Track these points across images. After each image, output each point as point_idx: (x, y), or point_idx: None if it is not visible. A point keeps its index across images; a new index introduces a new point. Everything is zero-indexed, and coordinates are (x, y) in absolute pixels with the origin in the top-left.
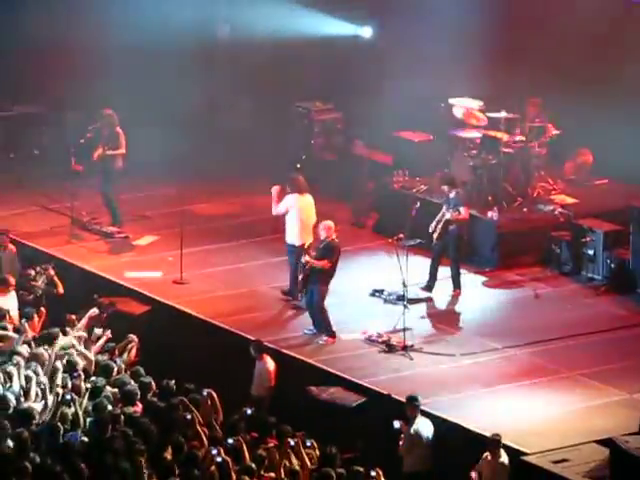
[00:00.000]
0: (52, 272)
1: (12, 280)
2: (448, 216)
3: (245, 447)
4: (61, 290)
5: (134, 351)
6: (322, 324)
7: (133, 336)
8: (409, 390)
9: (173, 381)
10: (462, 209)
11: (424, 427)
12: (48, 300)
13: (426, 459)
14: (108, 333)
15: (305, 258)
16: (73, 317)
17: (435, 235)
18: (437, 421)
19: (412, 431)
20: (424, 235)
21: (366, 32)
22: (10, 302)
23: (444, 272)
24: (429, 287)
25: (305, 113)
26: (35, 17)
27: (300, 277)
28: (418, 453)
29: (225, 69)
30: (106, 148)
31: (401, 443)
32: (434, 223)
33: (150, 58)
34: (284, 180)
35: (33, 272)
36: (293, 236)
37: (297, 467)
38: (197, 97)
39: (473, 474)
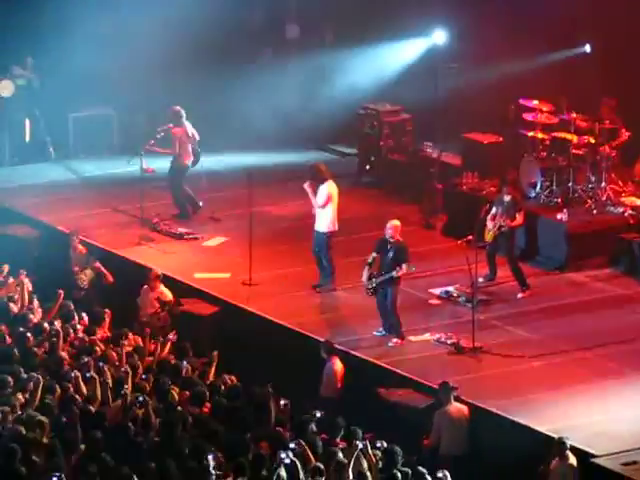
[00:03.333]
0: (97, 264)
1: None
2: (502, 222)
3: (308, 450)
4: (110, 279)
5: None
6: (393, 325)
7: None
8: (478, 392)
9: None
10: (518, 215)
11: (457, 411)
12: (99, 293)
13: (461, 442)
14: (173, 334)
15: (402, 271)
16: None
17: (489, 236)
18: (506, 423)
19: (443, 414)
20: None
21: (438, 37)
22: None
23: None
24: (491, 278)
25: (374, 114)
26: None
27: (368, 276)
28: (451, 436)
29: (294, 70)
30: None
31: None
32: (489, 223)
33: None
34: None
35: (77, 268)
36: (330, 223)
37: (366, 470)
38: (264, 101)
39: None
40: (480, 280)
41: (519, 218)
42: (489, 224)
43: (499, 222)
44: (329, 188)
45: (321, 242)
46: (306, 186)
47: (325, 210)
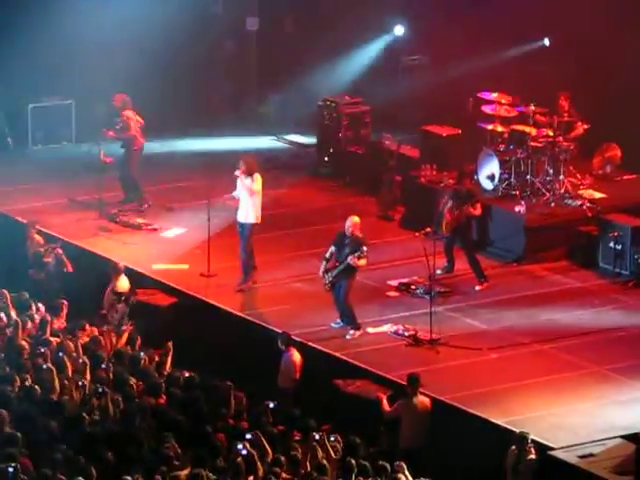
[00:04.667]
0: (60, 251)
1: None
2: (460, 214)
3: (264, 440)
4: (70, 268)
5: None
6: (348, 317)
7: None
8: (436, 384)
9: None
10: (476, 207)
11: (421, 404)
12: (58, 280)
13: (421, 436)
14: (129, 325)
15: (354, 260)
16: (65, 302)
17: (447, 228)
18: (465, 416)
19: (406, 406)
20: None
21: (398, 30)
22: None
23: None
24: (449, 270)
25: (333, 106)
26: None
27: (325, 270)
28: (412, 429)
29: (252, 62)
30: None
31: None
32: (447, 215)
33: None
34: None
35: (43, 250)
36: (259, 215)
37: (324, 461)
38: (226, 90)
39: None
40: (438, 272)
41: (477, 210)
42: (447, 216)
43: (456, 214)
44: (260, 178)
45: (248, 232)
46: (238, 174)
47: (254, 201)
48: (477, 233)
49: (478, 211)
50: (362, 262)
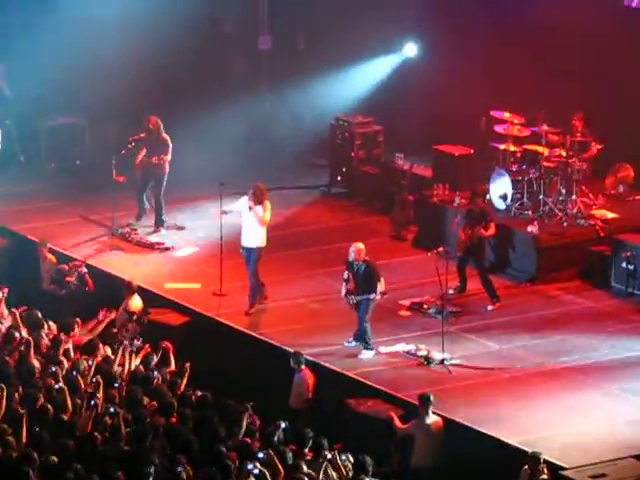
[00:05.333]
0: (84, 269)
1: None
2: (473, 234)
3: (277, 459)
4: (91, 287)
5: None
6: (363, 336)
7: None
8: (448, 404)
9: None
10: (489, 227)
11: (434, 424)
12: (78, 298)
13: (433, 455)
14: (142, 344)
15: (378, 295)
16: (78, 320)
17: (460, 247)
18: (477, 435)
19: (419, 426)
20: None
21: (410, 50)
22: None
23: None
24: (461, 290)
25: (346, 126)
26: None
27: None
28: (424, 449)
29: (265, 80)
30: (154, 157)
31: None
32: (459, 235)
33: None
34: None
35: (67, 267)
36: (265, 239)
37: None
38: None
39: None
40: (450, 292)
41: (490, 230)
42: (460, 236)
43: (469, 234)
44: (270, 206)
45: (255, 256)
46: (250, 203)
47: (262, 229)
48: (490, 253)
49: (490, 231)
50: (382, 286)
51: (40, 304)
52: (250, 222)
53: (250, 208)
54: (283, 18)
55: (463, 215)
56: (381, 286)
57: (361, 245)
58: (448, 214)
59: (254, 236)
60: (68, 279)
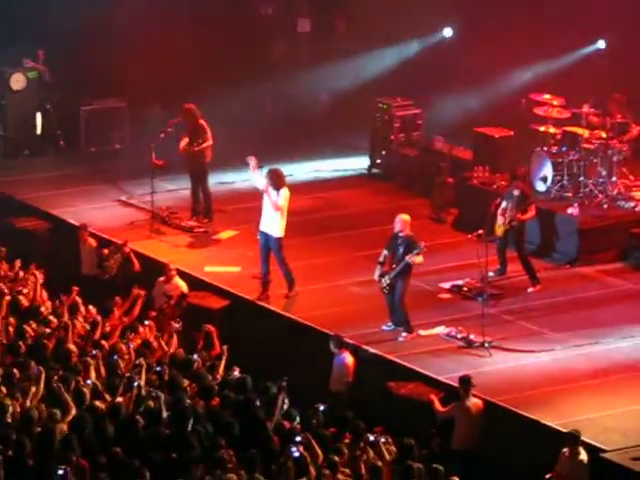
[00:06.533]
0: (127, 249)
1: None
2: (513, 216)
3: (315, 443)
4: (137, 267)
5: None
6: (401, 319)
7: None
8: (488, 386)
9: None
10: (529, 209)
11: (474, 406)
12: (124, 279)
13: (473, 438)
14: (178, 325)
15: (412, 258)
16: (118, 300)
17: (500, 230)
18: (517, 418)
19: (460, 407)
20: None
21: (447, 32)
22: None
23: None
24: (501, 272)
25: (386, 109)
26: (115, 14)
27: (380, 274)
28: (465, 431)
29: (305, 62)
30: (194, 144)
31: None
32: (499, 218)
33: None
34: None
35: (106, 251)
36: (284, 228)
37: (378, 463)
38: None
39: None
40: (491, 274)
41: (530, 212)
42: (499, 218)
43: (510, 216)
44: (288, 193)
45: (277, 247)
46: (264, 186)
47: (281, 214)
48: (530, 235)
49: (529, 215)
50: (420, 259)
51: (81, 288)
52: (267, 205)
53: (264, 191)
54: (322, 1)
55: (503, 197)
56: (420, 258)
57: (406, 216)
58: (488, 196)
59: (270, 222)
60: (106, 264)
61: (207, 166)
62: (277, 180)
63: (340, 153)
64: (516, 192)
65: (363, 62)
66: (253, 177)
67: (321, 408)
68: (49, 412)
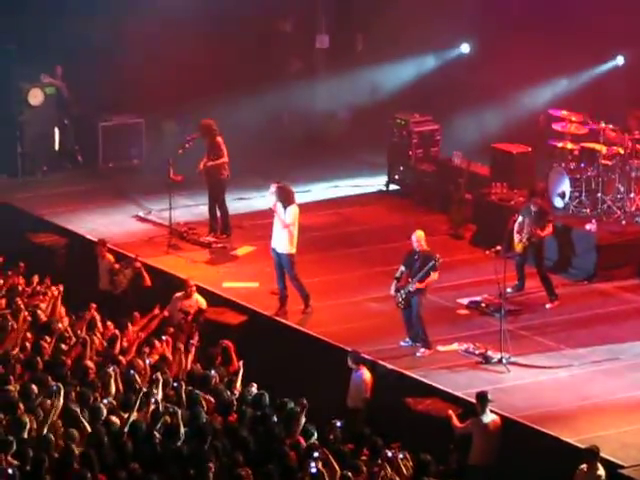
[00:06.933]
0: (138, 264)
1: None
2: (532, 232)
3: (333, 459)
4: (148, 282)
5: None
6: (420, 335)
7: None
8: (506, 402)
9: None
10: (547, 225)
11: (491, 422)
12: (135, 294)
13: (491, 454)
14: (195, 341)
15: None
16: (137, 315)
17: (519, 246)
18: (535, 434)
19: (477, 423)
20: None
21: (464, 48)
22: None
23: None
24: (520, 288)
25: (403, 124)
26: (133, 30)
27: (396, 289)
28: (482, 447)
29: (323, 78)
30: (209, 159)
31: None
32: (516, 236)
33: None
34: None
35: (117, 266)
36: (295, 245)
37: (396, 477)
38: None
39: None
40: (509, 290)
41: (545, 231)
42: (516, 236)
43: (528, 232)
44: (296, 210)
45: (288, 263)
46: (273, 206)
47: (291, 231)
48: (548, 252)
49: (546, 232)
50: (435, 276)
51: (98, 304)
52: (277, 223)
53: (271, 209)
54: (341, 18)
55: (522, 213)
56: (433, 278)
57: (422, 233)
58: (506, 213)
59: (280, 239)
60: (115, 279)
61: (224, 183)
62: (285, 197)
63: (358, 169)
64: (534, 208)
65: (381, 78)
66: (269, 197)
67: (338, 424)
68: (66, 430)
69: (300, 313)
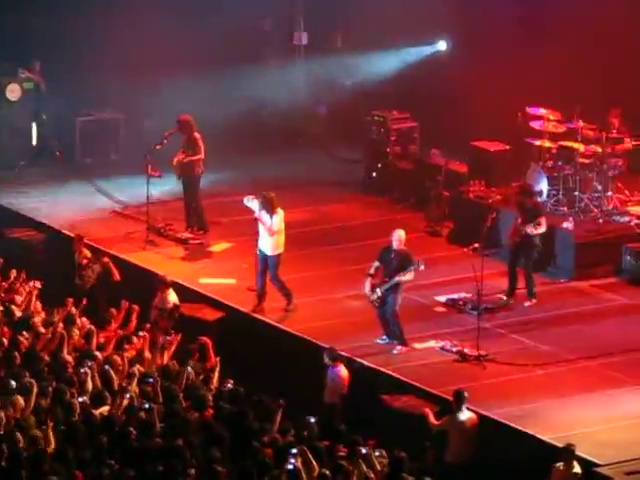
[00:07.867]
0: (106, 259)
1: None
2: (529, 230)
3: (309, 454)
4: (117, 277)
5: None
6: (396, 332)
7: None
8: (482, 400)
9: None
10: (543, 223)
11: (468, 420)
12: (103, 289)
13: (467, 451)
14: (177, 337)
15: (404, 277)
16: (113, 312)
17: (508, 241)
18: (510, 432)
19: (453, 421)
20: (499, 245)
21: (442, 45)
22: None
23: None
24: (510, 292)
25: (382, 121)
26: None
27: (371, 286)
28: (459, 445)
29: (302, 77)
30: (185, 155)
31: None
32: (511, 233)
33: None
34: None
35: (85, 261)
36: (282, 247)
37: (371, 474)
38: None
39: None
40: (504, 298)
41: (537, 229)
42: (511, 231)
43: (519, 232)
44: (282, 215)
45: (274, 263)
46: (255, 213)
47: (277, 235)
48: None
49: (538, 230)
50: (409, 277)
51: (74, 299)
52: (262, 229)
53: (255, 219)
54: (320, 17)
55: (517, 210)
56: (410, 275)
57: (403, 232)
58: (483, 210)
59: (266, 243)
60: (83, 273)
61: (198, 179)
62: (270, 205)
63: (335, 166)
64: (529, 205)
65: (359, 75)
66: (248, 203)
67: (312, 420)
68: (37, 424)
69: (278, 310)
